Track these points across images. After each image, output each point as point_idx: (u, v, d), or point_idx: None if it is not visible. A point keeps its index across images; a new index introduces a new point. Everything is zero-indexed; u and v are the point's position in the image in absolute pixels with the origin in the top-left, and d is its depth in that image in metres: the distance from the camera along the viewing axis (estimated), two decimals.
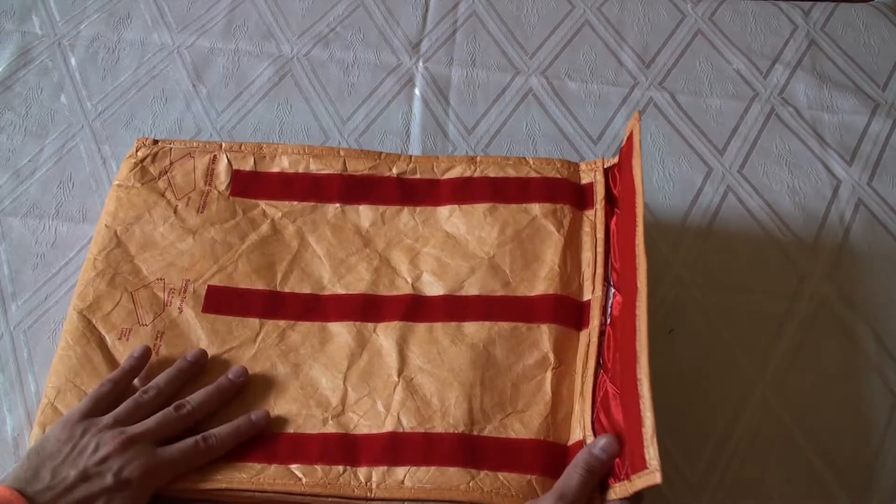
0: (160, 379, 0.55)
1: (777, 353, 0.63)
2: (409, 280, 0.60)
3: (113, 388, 0.54)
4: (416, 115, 0.77)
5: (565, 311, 0.58)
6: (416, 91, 0.79)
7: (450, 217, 0.63)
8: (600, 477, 0.48)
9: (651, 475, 0.42)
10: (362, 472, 0.52)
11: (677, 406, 0.60)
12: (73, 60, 0.80)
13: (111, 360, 0.56)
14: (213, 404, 0.54)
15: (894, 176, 0.74)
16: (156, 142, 0.66)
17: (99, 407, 0.53)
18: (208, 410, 0.54)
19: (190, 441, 0.52)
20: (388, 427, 0.53)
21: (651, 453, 0.43)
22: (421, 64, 0.81)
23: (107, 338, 0.57)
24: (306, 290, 0.60)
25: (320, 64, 0.81)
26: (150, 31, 0.83)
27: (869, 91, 0.80)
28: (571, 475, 0.48)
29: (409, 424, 0.53)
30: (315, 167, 0.65)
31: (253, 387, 0.56)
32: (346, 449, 0.53)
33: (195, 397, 0.54)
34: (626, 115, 0.78)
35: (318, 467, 0.52)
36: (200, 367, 0.57)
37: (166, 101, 0.77)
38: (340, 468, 0.52)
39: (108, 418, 0.52)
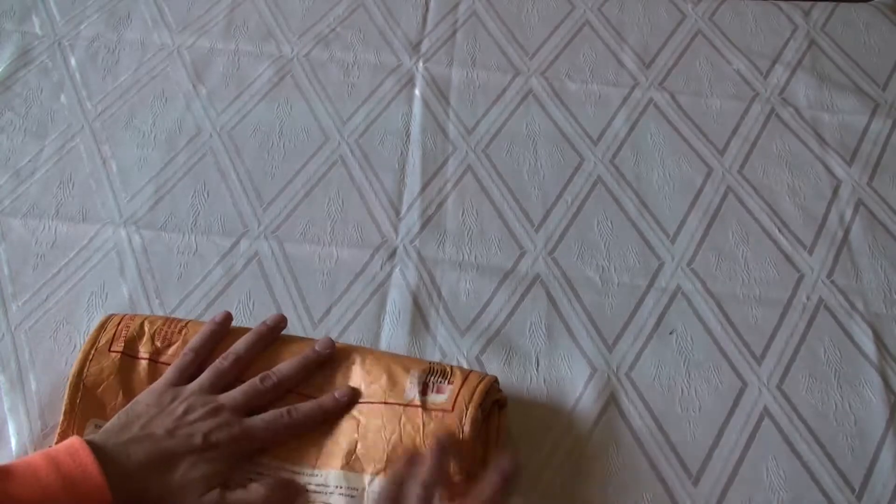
0: (239, 345, 0.55)
1: (776, 353, 0.63)
2: None
3: (195, 358, 0.54)
4: (416, 115, 0.77)
5: None
6: (416, 91, 0.79)
7: None
8: None
9: None
10: None
11: (677, 406, 0.60)
12: (73, 60, 0.80)
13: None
14: (297, 376, 0.55)
15: (894, 176, 0.74)
16: None
17: (183, 376, 0.53)
18: (293, 382, 0.54)
19: (276, 412, 0.52)
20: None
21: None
22: (421, 64, 0.81)
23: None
24: None
25: (320, 64, 0.81)
26: (150, 31, 0.83)
27: (869, 91, 0.80)
28: None
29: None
30: None
31: None
32: None
33: (280, 369, 0.54)
34: (626, 115, 0.78)
35: None
36: (279, 332, 0.57)
37: (166, 101, 0.77)
38: None
39: (192, 386, 0.52)
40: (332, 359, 0.57)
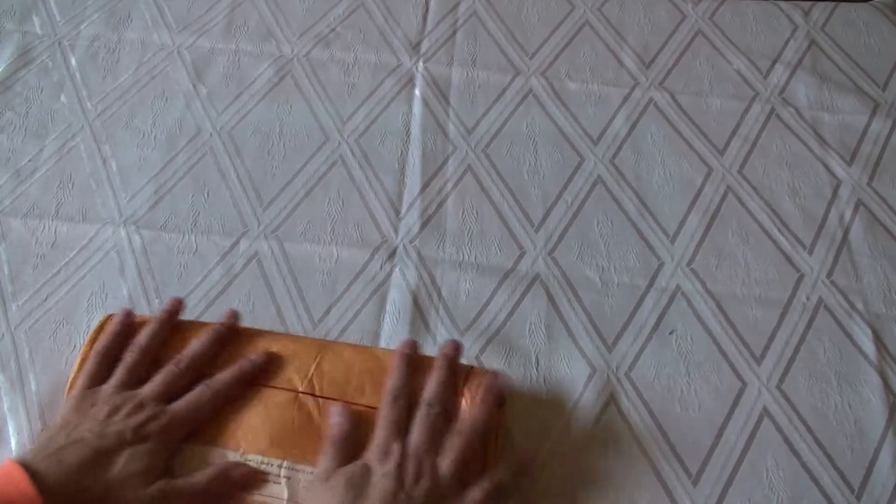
0: (140, 337, 0.55)
1: (776, 353, 0.63)
2: None
3: (103, 359, 0.54)
4: (417, 115, 0.77)
5: None
6: (416, 91, 0.79)
7: None
8: None
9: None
10: None
11: (677, 406, 0.60)
12: (73, 60, 0.80)
13: None
14: (210, 351, 0.55)
15: (894, 176, 0.74)
16: None
17: (96, 380, 0.53)
18: (206, 358, 0.54)
19: (196, 391, 0.52)
20: None
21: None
22: (421, 64, 0.81)
23: None
24: None
25: (320, 64, 0.81)
26: (150, 31, 0.83)
27: (869, 91, 0.80)
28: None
29: None
30: None
31: None
32: None
33: (190, 349, 0.54)
34: (626, 115, 0.78)
35: None
36: (177, 315, 0.57)
37: (166, 101, 0.77)
38: None
39: (107, 387, 0.52)
40: (332, 352, 0.57)
